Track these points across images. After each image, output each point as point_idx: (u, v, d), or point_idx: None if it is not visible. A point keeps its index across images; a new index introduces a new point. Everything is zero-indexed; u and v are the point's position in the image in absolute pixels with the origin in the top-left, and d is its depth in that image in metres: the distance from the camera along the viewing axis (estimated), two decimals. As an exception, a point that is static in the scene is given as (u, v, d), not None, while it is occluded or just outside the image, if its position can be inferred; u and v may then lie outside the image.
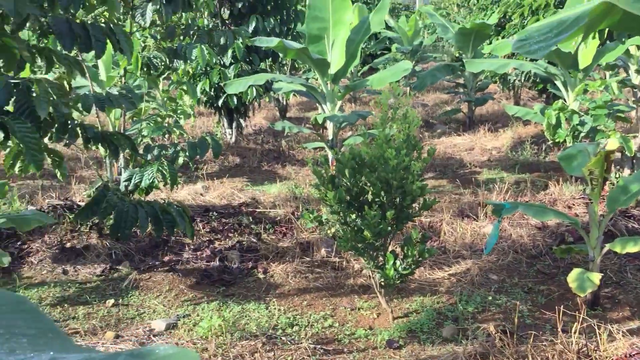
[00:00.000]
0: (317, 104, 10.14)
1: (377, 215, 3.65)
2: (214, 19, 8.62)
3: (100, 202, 3.36)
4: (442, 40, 22.40)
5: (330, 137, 7.36)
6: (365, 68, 15.03)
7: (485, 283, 4.37)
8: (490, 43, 11.88)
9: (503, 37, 9.57)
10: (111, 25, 2.92)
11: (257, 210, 6.03)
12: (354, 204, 3.96)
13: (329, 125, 7.40)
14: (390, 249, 3.98)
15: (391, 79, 6.61)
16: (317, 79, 12.19)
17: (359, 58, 7.20)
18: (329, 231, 5.27)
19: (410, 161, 3.69)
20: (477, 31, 9.54)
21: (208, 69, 8.40)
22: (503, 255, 4.81)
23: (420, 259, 3.77)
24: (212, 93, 8.66)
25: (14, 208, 5.45)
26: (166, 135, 6.85)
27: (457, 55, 18.22)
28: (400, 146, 3.76)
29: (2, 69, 2.96)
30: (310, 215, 4.06)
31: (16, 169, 3.32)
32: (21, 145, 2.18)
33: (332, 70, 7.05)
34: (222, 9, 8.55)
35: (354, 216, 3.93)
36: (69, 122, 2.90)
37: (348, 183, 3.94)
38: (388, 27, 17.44)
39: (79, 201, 6.00)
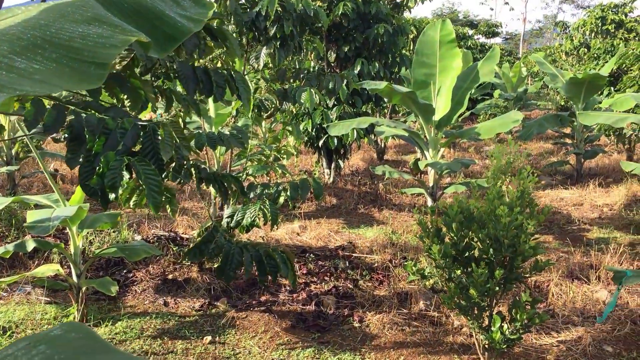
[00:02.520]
0: (417, 149, 10.03)
1: (485, 274, 3.47)
2: (320, 62, 8.79)
3: (209, 242, 3.42)
4: (546, 88, 21.78)
5: (430, 184, 7.21)
6: (467, 114, 14.78)
7: (599, 355, 4.02)
8: (602, 94, 11.37)
9: (618, 90, 9.08)
10: (232, 73, 3.00)
11: (354, 254, 5.95)
12: (460, 259, 3.79)
13: (430, 172, 7.26)
14: (496, 309, 3.76)
15: (500, 129, 6.41)
16: (414, 121, 12.13)
17: (466, 105, 7.04)
18: (427, 283, 5.10)
19: (523, 219, 3.50)
20: (590, 82, 9.12)
21: (311, 109, 8.54)
22: (620, 325, 4.42)
23: (529, 323, 3.54)
24: (313, 133, 8.77)
25: (122, 237, 5.69)
26: (268, 173, 6.97)
27: (562, 103, 17.58)
28: (514, 203, 3.58)
29: (128, 108, 3.10)
30: (413, 268, 3.94)
31: (131, 203, 3.44)
32: (143, 185, 2.24)
33: (437, 116, 6.95)
34: (329, 52, 8.70)
35: (459, 272, 3.76)
36: (185, 162, 2.99)
37: (454, 237, 3.79)
38: (491, 73, 17.13)
39: (182, 233, 6.18)
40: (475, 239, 3.76)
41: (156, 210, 2.25)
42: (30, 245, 3.87)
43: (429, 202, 7.30)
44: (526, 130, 9.52)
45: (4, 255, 3.86)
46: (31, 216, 3.69)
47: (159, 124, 2.30)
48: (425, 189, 7.25)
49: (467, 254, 3.80)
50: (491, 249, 3.62)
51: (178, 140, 2.44)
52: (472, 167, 10.97)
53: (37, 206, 4.24)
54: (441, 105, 6.94)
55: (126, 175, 2.17)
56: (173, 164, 2.88)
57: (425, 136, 7.24)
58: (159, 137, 2.30)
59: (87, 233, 5.56)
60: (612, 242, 6.29)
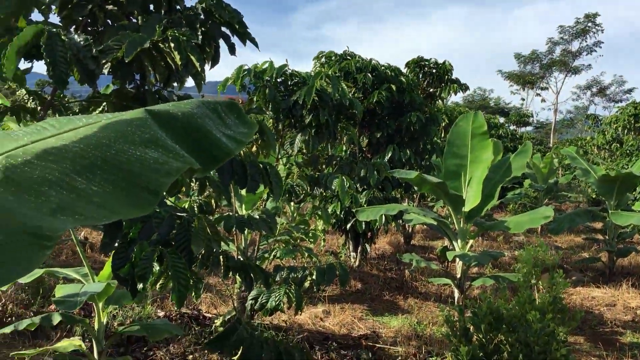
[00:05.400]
0: (445, 237, 9.94)
1: (514, 381, 3.36)
2: (352, 146, 8.93)
3: (230, 335, 3.40)
4: (578, 180, 21.65)
5: (458, 276, 7.09)
6: (496, 202, 14.72)
7: None
8: (636, 190, 11.23)
9: (653, 188, 8.97)
10: (267, 167, 3.07)
11: (377, 345, 5.81)
12: (487, 362, 3.68)
13: (458, 262, 7.16)
14: (524, 419, 3.60)
15: (530, 224, 6.34)
16: (443, 207, 12.12)
17: (496, 198, 7.02)
18: (452, 381, 4.92)
19: (555, 326, 3.40)
20: (622, 180, 9.04)
21: (341, 196, 8.60)
22: None
23: None
24: (341, 216, 8.79)
25: (146, 312, 5.67)
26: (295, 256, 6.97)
27: (594, 196, 17.38)
28: (545, 308, 3.50)
29: (166, 194, 3.18)
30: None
31: (157, 286, 3.47)
32: (171, 277, 2.27)
33: (467, 208, 6.93)
34: (362, 137, 8.86)
35: (486, 376, 3.64)
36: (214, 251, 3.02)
37: (483, 339, 3.70)
38: (522, 163, 17.19)
39: (205, 312, 6.14)
40: (505, 342, 3.66)
41: (179, 305, 2.27)
42: (57, 319, 3.88)
43: (456, 294, 7.16)
44: (557, 225, 9.38)
45: (29, 327, 3.87)
46: (60, 290, 3.72)
47: (194, 216, 2.34)
48: (453, 280, 7.13)
49: (495, 358, 3.69)
50: (521, 355, 3.51)
51: (210, 233, 2.49)
52: (501, 257, 10.77)
53: (66, 279, 4.29)
54: (471, 197, 6.93)
55: (156, 266, 2.20)
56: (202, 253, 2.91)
57: (454, 226, 7.19)
58: (192, 230, 2.34)
59: (112, 308, 5.56)
60: (647, 349, 6.05)
